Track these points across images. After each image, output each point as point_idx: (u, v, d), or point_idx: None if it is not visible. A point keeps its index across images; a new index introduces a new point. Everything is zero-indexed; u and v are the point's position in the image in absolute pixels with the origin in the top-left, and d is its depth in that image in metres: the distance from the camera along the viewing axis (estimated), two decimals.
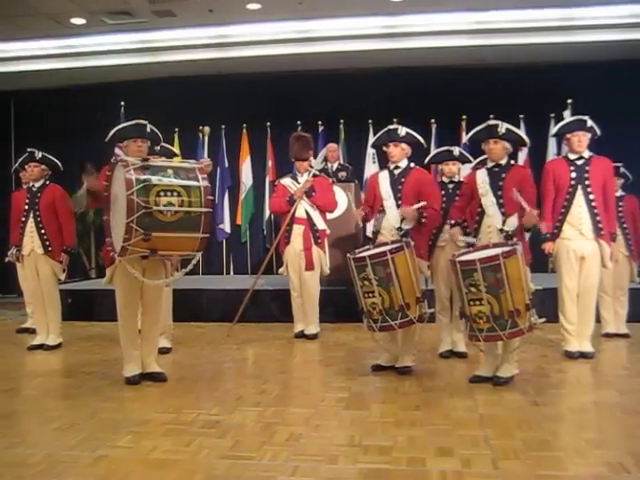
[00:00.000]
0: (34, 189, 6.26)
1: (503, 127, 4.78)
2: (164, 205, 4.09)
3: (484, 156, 5.18)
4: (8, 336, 7.21)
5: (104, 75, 10.35)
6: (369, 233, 5.33)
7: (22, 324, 7.40)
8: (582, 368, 5.16)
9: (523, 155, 9.06)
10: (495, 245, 4.48)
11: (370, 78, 10.14)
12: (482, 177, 4.88)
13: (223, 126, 10.67)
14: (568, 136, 5.41)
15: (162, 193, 4.10)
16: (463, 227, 5.06)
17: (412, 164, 5.22)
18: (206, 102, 10.47)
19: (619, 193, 6.35)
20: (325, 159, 8.83)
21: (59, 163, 6.41)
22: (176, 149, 9.14)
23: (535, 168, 6.26)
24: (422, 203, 4.92)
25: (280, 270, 6.75)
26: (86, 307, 8.00)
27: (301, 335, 6.60)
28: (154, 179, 4.10)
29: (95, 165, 4.59)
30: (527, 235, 4.91)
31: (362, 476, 2.93)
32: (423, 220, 4.97)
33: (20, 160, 6.44)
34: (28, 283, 6.43)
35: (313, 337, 6.53)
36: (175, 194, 4.13)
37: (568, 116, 8.14)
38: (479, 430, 3.53)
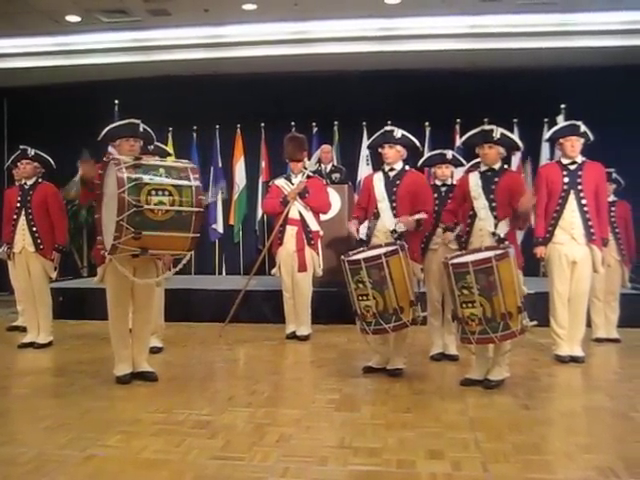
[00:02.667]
0: (26, 187, 6.24)
1: (498, 132, 4.79)
2: (155, 204, 4.08)
3: (477, 159, 5.19)
4: None
5: (98, 73, 10.32)
6: (362, 235, 5.32)
7: (13, 322, 7.36)
8: (573, 372, 5.18)
9: (516, 159, 9.08)
10: (487, 248, 4.49)
11: (365, 80, 10.15)
12: (475, 180, 4.90)
13: (217, 126, 10.66)
14: (561, 141, 5.43)
15: (153, 192, 4.09)
16: (458, 233, 5.07)
17: (407, 167, 5.23)
18: (200, 102, 10.46)
19: (611, 198, 6.38)
20: (319, 160, 8.83)
21: (52, 161, 6.40)
22: (170, 148, 9.12)
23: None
24: (422, 215, 4.94)
25: (273, 271, 6.75)
26: (77, 305, 7.98)
27: (293, 336, 6.60)
28: (146, 178, 4.09)
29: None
30: (520, 238, 4.92)
31: (352, 478, 2.94)
32: (420, 227, 5.03)
33: (13, 157, 6.42)
34: (19, 281, 6.41)
35: (305, 338, 6.53)
36: (166, 193, 4.13)
37: (561, 121, 8.14)
38: (469, 433, 3.53)
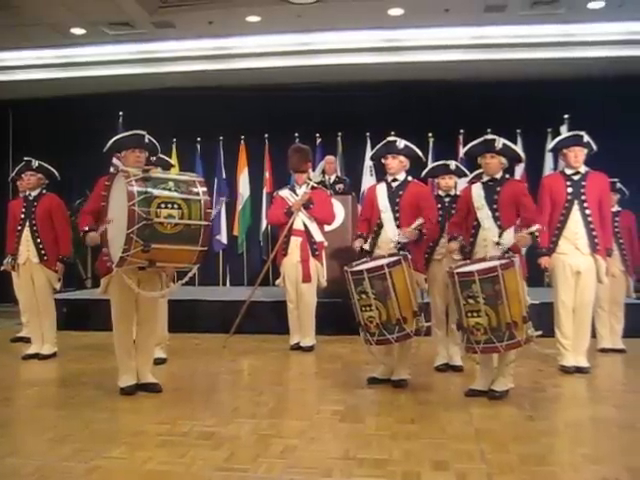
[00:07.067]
0: (30, 198, 6.26)
1: (500, 142, 4.81)
2: (164, 217, 4.09)
3: (480, 170, 5.20)
4: (3, 345, 7.17)
5: (103, 85, 10.36)
6: (366, 246, 5.32)
7: (17, 333, 7.36)
8: (578, 383, 5.16)
9: (520, 170, 9.08)
10: (492, 258, 4.49)
11: (368, 91, 10.17)
12: (477, 191, 4.91)
13: (221, 137, 10.68)
14: (565, 151, 5.44)
15: (163, 205, 4.10)
16: (461, 244, 5.01)
17: (410, 177, 5.24)
18: (204, 113, 10.48)
19: (615, 208, 6.37)
20: (323, 171, 8.84)
21: (56, 172, 6.42)
22: (174, 160, 9.15)
23: (532, 183, 6.28)
24: (419, 221, 4.92)
25: (277, 282, 6.75)
26: (81, 317, 7.98)
27: (297, 347, 6.59)
28: (155, 191, 4.11)
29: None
30: (523, 250, 4.91)
31: None
32: (424, 236, 5.01)
33: (17, 169, 6.43)
34: (23, 292, 6.41)
35: (309, 349, 6.52)
36: (176, 206, 4.14)
37: (565, 131, 8.16)
38: (474, 444, 3.52)
